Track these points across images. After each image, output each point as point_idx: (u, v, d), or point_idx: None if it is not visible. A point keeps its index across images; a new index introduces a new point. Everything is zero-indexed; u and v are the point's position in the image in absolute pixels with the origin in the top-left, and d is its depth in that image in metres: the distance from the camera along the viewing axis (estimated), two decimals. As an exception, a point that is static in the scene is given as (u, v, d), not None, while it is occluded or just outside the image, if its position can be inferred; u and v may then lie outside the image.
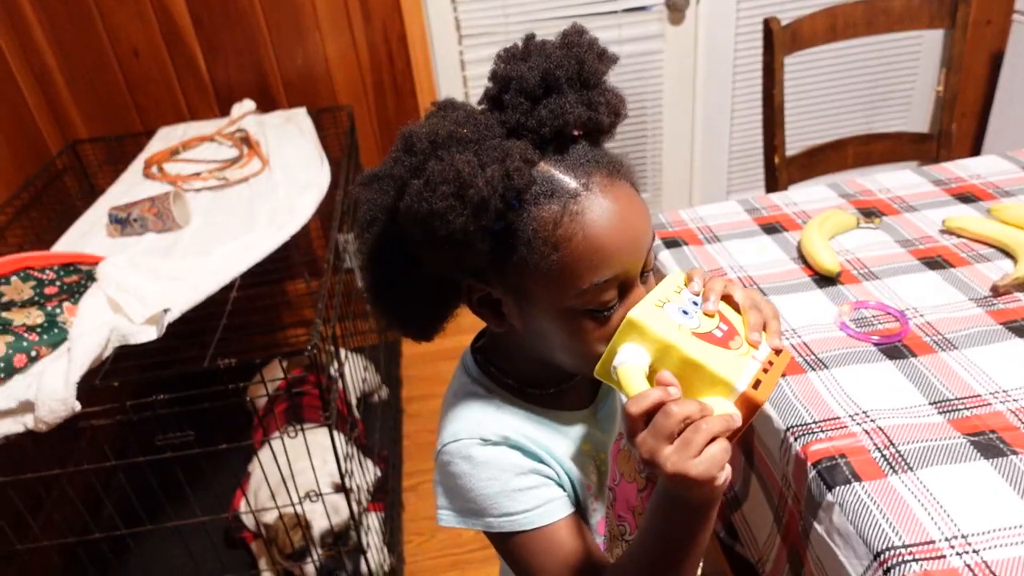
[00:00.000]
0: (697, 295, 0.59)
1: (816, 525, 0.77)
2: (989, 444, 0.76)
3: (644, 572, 0.58)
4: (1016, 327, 0.92)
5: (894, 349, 0.92)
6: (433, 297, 0.65)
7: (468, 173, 0.52)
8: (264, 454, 1.54)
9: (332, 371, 1.60)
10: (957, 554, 0.66)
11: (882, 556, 0.67)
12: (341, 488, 1.39)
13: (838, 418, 0.82)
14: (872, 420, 0.81)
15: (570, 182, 0.55)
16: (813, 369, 0.90)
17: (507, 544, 0.63)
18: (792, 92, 2.09)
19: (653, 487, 0.75)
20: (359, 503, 1.47)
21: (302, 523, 1.46)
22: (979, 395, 0.83)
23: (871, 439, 0.79)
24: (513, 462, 0.63)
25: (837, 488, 0.74)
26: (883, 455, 0.77)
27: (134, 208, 1.52)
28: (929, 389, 0.85)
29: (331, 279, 1.38)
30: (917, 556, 0.66)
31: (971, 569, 0.65)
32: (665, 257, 1.18)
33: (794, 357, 0.92)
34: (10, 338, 1.12)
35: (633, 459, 0.73)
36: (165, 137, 1.98)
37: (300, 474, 1.41)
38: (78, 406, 1.08)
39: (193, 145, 1.89)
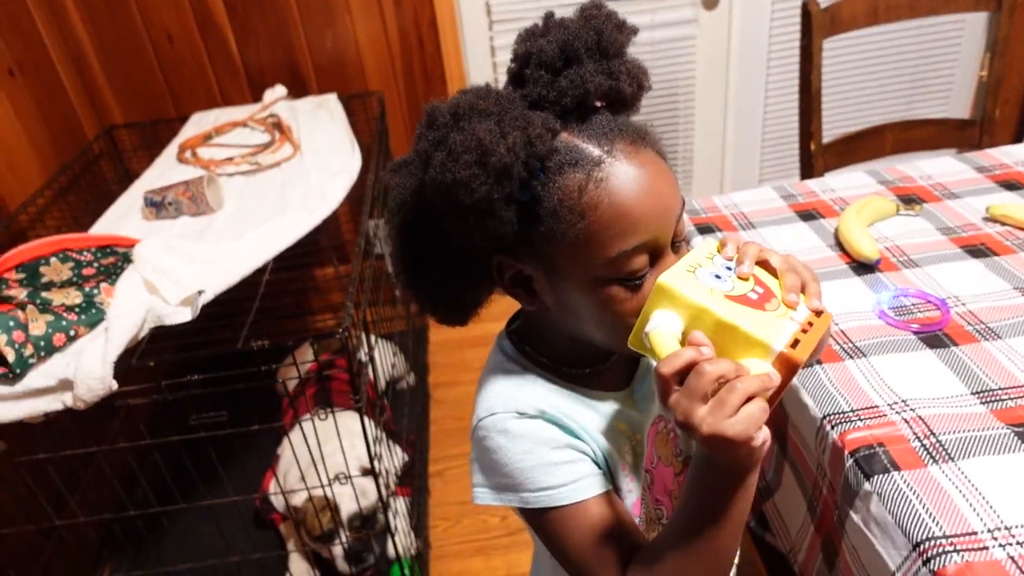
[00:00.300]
0: (731, 260, 0.57)
1: (852, 514, 0.75)
2: (1035, 435, 0.74)
3: (682, 546, 0.56)
4: (1064, 317, 0.90)
5: (934, 338, 0.90)
6: (464, 278, 0.65)
7: (489, 141, 0.52)
8: (294, 436, 1.56)
9: (362, 355, 1.61)
10: (1000, 546, 0.64)
11: (922, 547, 0.66)
12: (369, 472, 1.40)
13: (876, 407, 0.81)
14: (912, 409, 0.79)
15: (593, 149, 0.55)
16: (851, 357, 0.88)
17: (542, 520, 0.62)
18: (828, 77, 2.04)
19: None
20: (387, 487, 1.48)
21: (331, 506, 1.48)
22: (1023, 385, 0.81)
23: (911, 428, 0.77)
24: (549, 435, 0.62)
25: (875, 477, 0.73)
26: (923, 444, 0.75)
27: (169, 192, 1.54)
28: (971, 378, 0.83)
29: (361, 264, 1.39)
30: (958, 547, 0.65)
31: (1015, 561, 0.63)
32: (697, 243, 1.16)
33: (831, 345, 0.91)
34: (50, 317, 1.14)
35: (671, 442, 0.72)
36: (198, 122, 2.00)
37: (329, 457, 1.42)
38: (115, 385, 1.10)
39: (226, 130, 1.91)
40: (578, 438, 0.64)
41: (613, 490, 0.65)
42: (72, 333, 1.16)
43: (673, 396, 0.50)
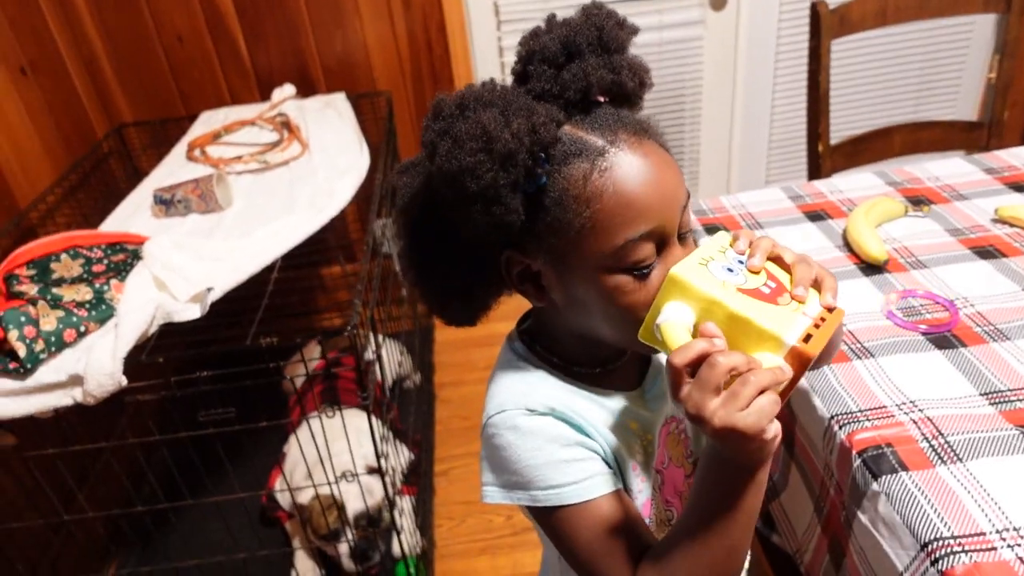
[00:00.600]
0: (743, 254, 0.57)
1: (860, 515, 0.75)
2: (1043, 436, 0.74)
3: (693, 543, 0.55)
4: (1073, 318, 0.90)
5: (943, 339, 0.90)
6: (473, 275, 0.65)
7: (494, 128, 0.53)
8: (301, 434, 1.56)
9: (369, 354, 1.61)
10: (1009, 546, 0.64)
11: (930, 547, 0.66)
12: (375, 470, 1.40)
13: (884, 407, 0.81)
14: (920, 410, 0.79)
15: (597, 140, 0.56)
16: (859, 358, 0.88)
17: (551, 518, 0.62)
18: (836, 78, 2.03)
19: None
20: (393, 485, 1.49)
21: (337, 504, 1.48)
22: (1033, 387, 0.81)
23: (919, 429, 0.77)
24: (559, 433, 0.62)
25: (883, 477, 0.73)
26: (931, 445, 0.75)
27: (178, 189, 1.55)
28: (980, 380, 0.83)
29: (370, 263, 1.39)
30: (967, 547, 0.65)
31: (1023, 561, 0.63)
32: (705, 242, 1.16)
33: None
34: (60, 313, 1.15)
35: (682, 443, 0.72)
36: (207, 121, 2.01)
37: (335, 455, 1.43)
38: (125, 381, 1.11)
39: (235, 129, 1.92)
40: (588, 436, 0.63)
41: (623, 489, 0.65)
42: (82, 329, 1.16)
43: (685, 388, 0.50)
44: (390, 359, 1.89)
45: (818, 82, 1.59)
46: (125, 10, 1.99)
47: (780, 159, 2.51)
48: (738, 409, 0.48)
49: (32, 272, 1.22)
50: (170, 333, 1.20)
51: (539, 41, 0.58)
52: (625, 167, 0.55)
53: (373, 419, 1.29)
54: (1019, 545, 0.64)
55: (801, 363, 0.51)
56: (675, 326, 0.53)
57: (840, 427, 0.79)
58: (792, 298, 0.55)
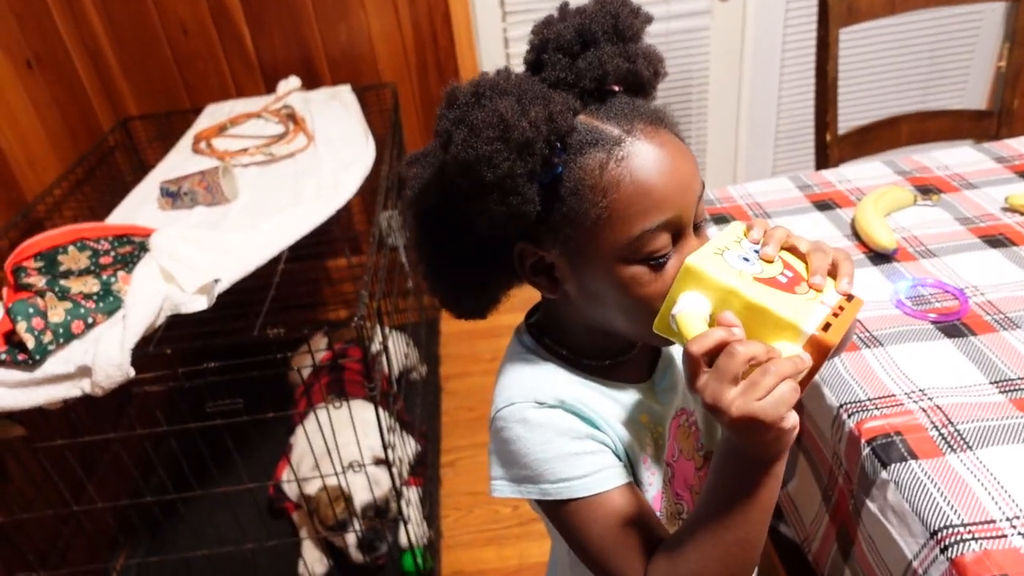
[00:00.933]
0: (757, 243, 0.57)
1: (869, 503, 0.75)
2: (1054, 424, 0.74)
3: (707, 537, 0.55)
4: (1084, 307, 0.89)
5: (952, 327, 0.89)
6: (486, 267, 0.64)
7: (511, 116, 0.52)
8: (308, 425, 1.57)
9: (375, 345, 1.62)
10: (1019, 534, 0.64)
11: (939, 534, 0.66)
12: (382, 461, 1.41)
13: (893, 395, 0.80)
14: (929, 398, 0.79)
15: (613, 129, 0.55)
16: (868, 346, 0.88)
17: (561, 512, 0.61)
18: (844, 67, 2.02)
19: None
20: (400, 476, 1.49)
21: (345, 495, 1.49)
22: (1044, 375, 0.80)
23: (928, 417, 0.77)
24: (569, 426, 0.61)
25: (892, 465, 0.72)
26: (940, 433, 0.75)
27: (185, 182, 1.55)
28: (990, 368, 0.82)
29: (376, 255, 1.39)
30: (976, 535, 0.65)
31: (1034, 550, 0.63)
32: (713, 234, 1.16)
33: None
34: (68, 305, 1.16)
35: (693, 435, 0.72)
36: (213, 114, 2.01)
37: (342, 447, 1.43)
38: (133, 372, 1.11)
39: (240, 121, 1.92)
40: (598, 429, 0.63)
41: (634, 482, 0.64)
42: (90, 320, 1.17)
43: (702, 378, 0.49)
44: (396, 351, 1.90)
45: (826, 71, 1.58)
46: (129, 3, 1.99)
47: (787, 149, 2.50)
48: (757, 398, 0.47)
49: (40, 264, 1.23)
50: (177, 324, 1.20)
51: (553, 29, 0.58)
52: (642, 156, 0.54)
53: (380, 410, 1.30)
54: (1030, 533, 0.64)
55: (820, 352, 0.50)
56: (691, 316, 0.52)
57: (849, 416, 0.79)
58: (809, 287, 0.54)
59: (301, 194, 1.54)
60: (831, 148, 1.63)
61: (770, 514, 0.55)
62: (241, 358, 1.15)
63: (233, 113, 1.96)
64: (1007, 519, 0.65)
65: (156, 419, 1.29)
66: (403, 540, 1.57)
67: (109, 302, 1.20)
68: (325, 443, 1.39)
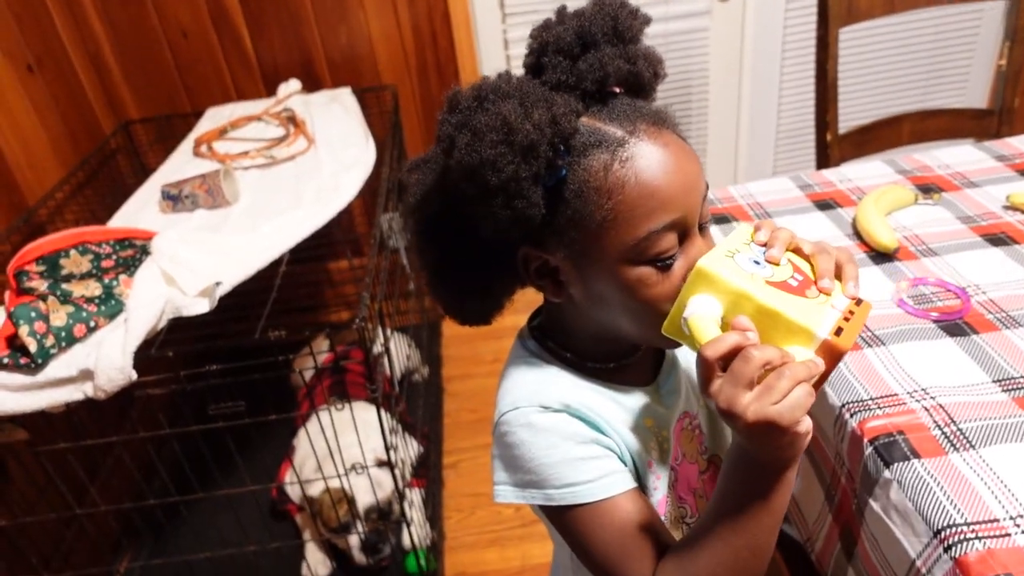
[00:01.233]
0: (764, 245, 0.57)
1: (872, 503, 0.75)
2: (1057, 423, 0.74)
3: (717, 544, 0.54)
4: (1086, 305, 0.89)
5: (955, 326, 0.89)
6: (489, 272, 0.64)
7: (515, 119, 0.52)
8: (311, 427, 1.57)
9: (377, 347, 1.62)
10: (1023, 532, 0.64)
11: (943, 533, 0.66)
12: (385, 463, 1.41)
13: (896, 395, 0.80)
14: (932, 397, 0.79)
15: (616, 130, 0.55)
16: (870, 346, 0.88)
17: (565, 517, 0.60)
18: (844, 67, 2.02)
19: (715, 470, 0.73)
20: (403, 478, 1.49)
21: (347, 497, 1.49)
22: (1046, 373, 0.80)
23: (931, 416, 0.77)
24: (575, 430, 0.61)
25: (895, 465, 0.72)
26: (943, 432, 0.75)
27: (185, 185, 1.55)
28: (992, 367, 0.82)
29: (377, 257, 1.39)
30: (980, 534, 0.64)
31: (1038, 548, 0.63)
32: (714, 232, 1.16)
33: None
34: (70, 308, 1.16)
35: (696, 439, 0.71)
36: (213, 117, 2.01)
37: (345, 448, 1.43)
38: (135, 375, 1.11)
39: (241, 124, 1.92)
40: (604, 433, 0.62)
41: (640, 487, 0.63)
42: (92, 324, 1.17)
43: (716, 383, 0.49)
44: (398, 352, 1.90)
45: (826, 71, 1.58)
46: (129, 6, 1.99)
47: (787, 149, 2.50)
48: (773, 402, 0.47)
49: (42, 268, 1.23)
50: (179, 327, 1.20)
51: (552, 32, 0.58)
52: (646, 157, 0.54)
53: (382, 412, 1.30)
54: (1033, 532, 0.64)
55: (833, 357, 0.50)
56: (704, 319, 0.52)
57: (851, 415, 0.79)
58: (819, 291, 0.54)
59: (302, 196, 1.54)
60: (832, 147, 1.63)
61: (780, 520, 0.54)
62: (243, 360, 1.15)
63: (233, 116, 1.96)
64: (1010, 518, 0.65)
65: (158, 422, 1.29)
66: (406, 542, 1.57)
67: (111, 305, 1.20)
68: (328, 445, 1.39)
